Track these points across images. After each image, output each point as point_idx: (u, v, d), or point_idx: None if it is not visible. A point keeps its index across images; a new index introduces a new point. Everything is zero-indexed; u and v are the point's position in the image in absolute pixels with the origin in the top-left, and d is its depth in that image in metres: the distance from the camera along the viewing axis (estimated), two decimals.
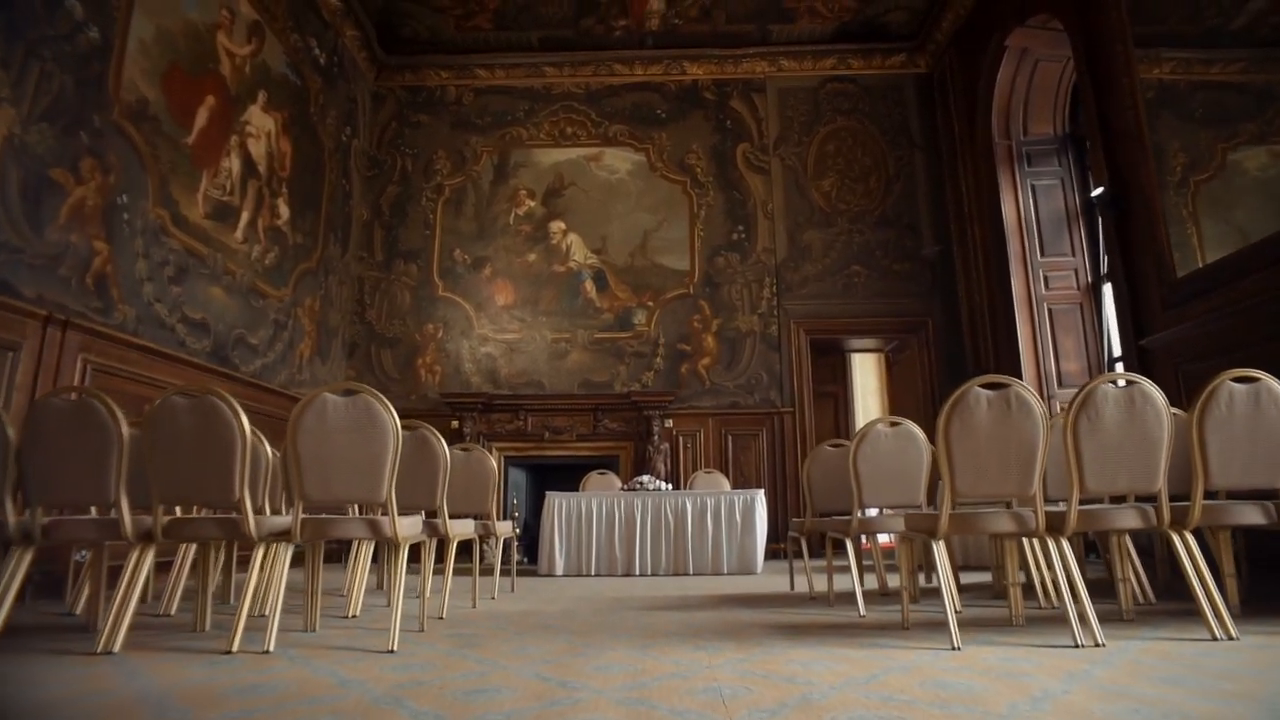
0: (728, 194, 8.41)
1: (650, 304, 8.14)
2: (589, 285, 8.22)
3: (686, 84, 8.69)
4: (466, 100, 8.73)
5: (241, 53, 6.08)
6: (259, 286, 6.32)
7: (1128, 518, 2.65)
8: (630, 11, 8.07)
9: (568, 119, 8.65)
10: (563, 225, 8.40)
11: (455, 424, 7.63)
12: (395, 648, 2.48)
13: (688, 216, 8.38)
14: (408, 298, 8.25)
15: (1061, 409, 3.03)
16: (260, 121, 6.34)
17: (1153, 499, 2.67)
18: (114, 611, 2.48)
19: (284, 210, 6.72)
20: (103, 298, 4.52)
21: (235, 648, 2.42)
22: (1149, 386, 2.62)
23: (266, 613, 2.62)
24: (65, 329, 4.14)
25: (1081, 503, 2.63)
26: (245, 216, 6.12)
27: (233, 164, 5.93)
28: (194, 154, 5.45)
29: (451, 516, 3.96)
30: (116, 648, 2.42)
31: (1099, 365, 6.75)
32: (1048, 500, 2.85)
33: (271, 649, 2.44)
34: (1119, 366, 6.38)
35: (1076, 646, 2.40)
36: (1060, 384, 6.77)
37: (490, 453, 7.73)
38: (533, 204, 8.48)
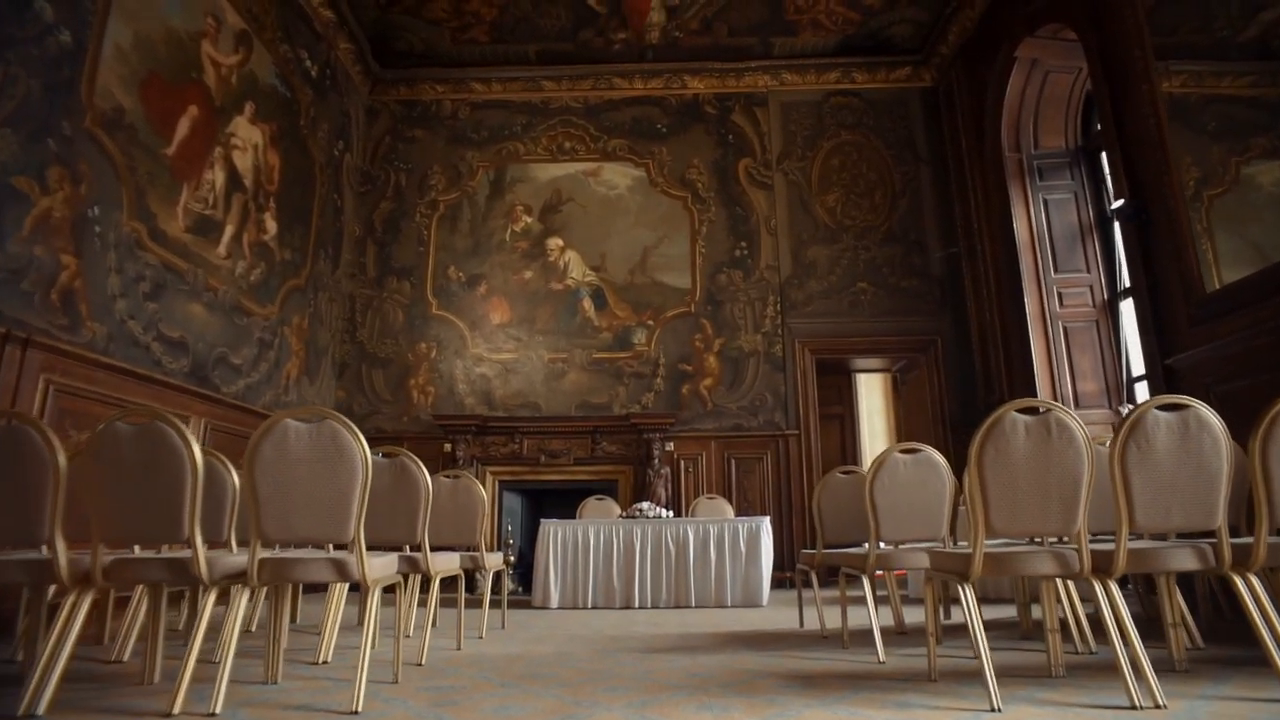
0: (730, 210, 8.19)
1: (650, 323, 7.88)
2: (587, 303, 7.97)
3: (687, 98, 8.50)
4: (462, 114, 8.54)
5: (228, 62, 5.87)
6: (243, 304, 6.06)
7: (1184, 558, 2.37)
8: (630, 24, 7.89)
9: (566, 133, 8.45)
10: (560, 242, 8.17)
11: (448, 447, 7.35)
12: (360, 708, 2.19)
13: (689, 233, 8.16)
14: (400, 316, 8.00)
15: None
16: (247, 133, 6.12)
17: (1202, 536, 2.40)
18: (41, 666, 2.19)
19: (271, 225, 6.48)
20: (69, 314, 4.26)
21: (177, 709, 2.14)
22: (1205, 411, 2.35)
23: (224, 658, 2.33)
24: (26, 347, 3.87)
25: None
26: (229, 231, 5.89)
27: (216, 176, 5.70)
28: (174, 165, 5.22)
29: (437, 549, 3.68)
30: (41, 709, 2.13)
31: (1117, 386, 6.48)
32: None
33: (219, 710, 2.15)
34: (1141, 386, 6.11)
35: (1134, 708, 2.11)
36: (1077, 405, 6.48)
37: (484, 477, 7.48)
38: (530, 220, 8.26)
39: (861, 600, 3.52)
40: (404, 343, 7.91)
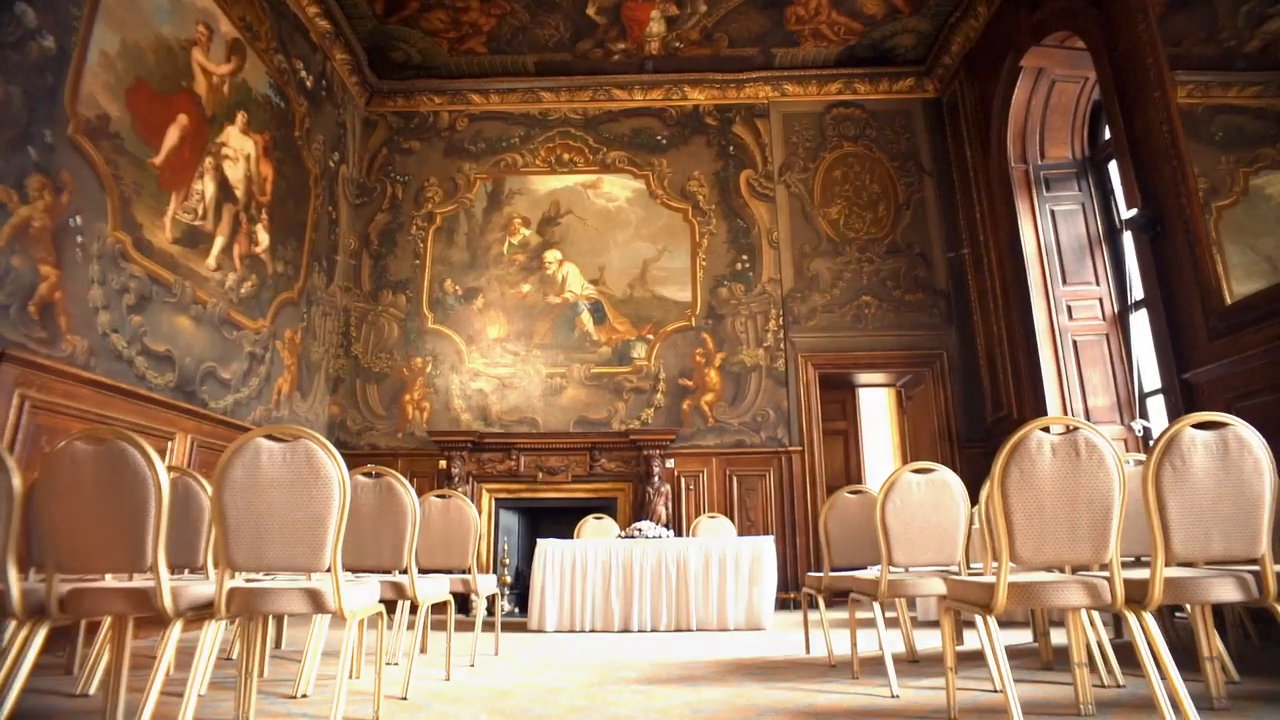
0: (731, 222, 8.07)
1: (650, 337, 7.73)
2: (586, 317, 7.83)
3: (688, 109, 8.40)
4: (460, 126, 8.43)
5: (220, 71, 5.76)
6: (233, 317, 5.91)
7: (1225, 589, 2.20)
8: (629, 35, 7.80)
9: (564, 145, 8.34)
10: (559, 255, 8.04)
11: (443, 464, 7.17)
12: None
13: (689, 245, 8.02)
14: (396, 330, 7.85)
15: None
16: (239, 144, 6.00)
17: (1237, 563, 2.24)
18: None
19: (263, 237, 6.35)
20: (48, 327, 4.11)
21: None
22: (1244, 430, 2.20)
23: (188, 697, 2.16)
24: (0, 362, 3.73)
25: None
26: (219, 242, 5.75)
27: (206, 187, 5.57)
28: (162, 175, 5.09)
29: (428, 572, 3.52)
30: None
31: (1129, 401, 6.32)
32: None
33: None
34: (1154, 401, 5.95)
35: None
36: (1088, 421, 6.31)
37: (480, 495, 7.30)
38: (527, 233, 8.13)
39: (869, 623, 3.34)
40: (399, 357, 7.75)
